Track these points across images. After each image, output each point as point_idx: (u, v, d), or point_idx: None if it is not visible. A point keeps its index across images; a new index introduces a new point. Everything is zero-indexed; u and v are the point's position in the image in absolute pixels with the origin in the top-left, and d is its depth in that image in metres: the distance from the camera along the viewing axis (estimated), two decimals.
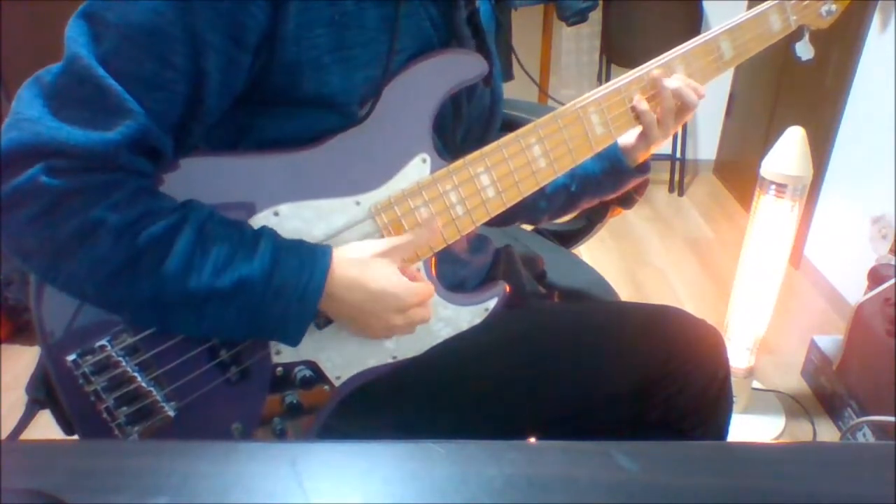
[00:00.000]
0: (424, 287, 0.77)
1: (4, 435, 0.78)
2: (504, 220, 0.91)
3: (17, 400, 0.80)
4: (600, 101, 0.84)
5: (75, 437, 0.76)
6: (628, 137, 0.92)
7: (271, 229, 0.72)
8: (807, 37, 0.99)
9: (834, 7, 0.96)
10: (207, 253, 0.67)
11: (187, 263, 0.66)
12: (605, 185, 0.97)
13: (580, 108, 0.83)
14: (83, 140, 0.62)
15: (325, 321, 0.77)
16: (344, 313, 0.75)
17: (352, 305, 0.73)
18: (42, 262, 0.66)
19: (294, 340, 0.73)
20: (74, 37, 0.63)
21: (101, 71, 0.62)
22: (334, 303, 0.73)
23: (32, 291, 0.70)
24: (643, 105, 0.86)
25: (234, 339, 0.75)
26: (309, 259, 0.71)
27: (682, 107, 0.87)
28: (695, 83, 0.88)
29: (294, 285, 0.69)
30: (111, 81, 0.62)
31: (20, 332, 0.75)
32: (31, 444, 0.57)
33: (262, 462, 0.52)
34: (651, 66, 0.87)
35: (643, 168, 0.95)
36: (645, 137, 0.89)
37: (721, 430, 0.87)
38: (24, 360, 1.83)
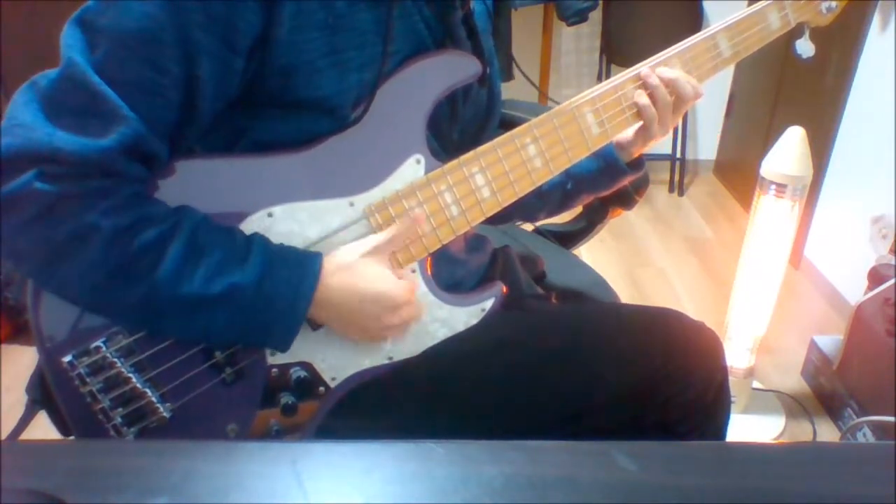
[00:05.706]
0: (411, 283, 0.77)
1: (4, 435, 0.78)
2: (501, 218, 0.91)
3: (17, 400, 0.80)
4: (595, 101, 0.84)
5: (71, 437, 0.76)
6: (625, 133, 0.91)
7: (262, 236, 0.72)
8: (807, 34, 0.99)
9: (834, 4, 0.95)
10: (199, 260, 0.67)
11: (178, 270, 0.67)
12: (600, 182, 0.96)
13: (575, 108, 0.83)
14: (77, 147, 0.62)
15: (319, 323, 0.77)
16: (336, 318, 0.75)
17: (343, 310, 0.74)
18: (36, 266, 0.67)
19: (283, 347, 0.74)
20: (69, 43, 0.63)
21: (95, 77, 0.62)
22: (326, 310, 0.73)
23: (30, 293, 0.70)
24: (643, 99, 0.85)
25: (225, 345, 0.75)
26: (298, 268, 0.71)
27: (679, 100, 0.86)
28: (691, 78, 0.86)
29: (283, 294, 0.70)
30: (105, 88, 0.62)
31: (20, 332, 0.75)
32: (31, 444, 0.57)
33: (262, 462, 0.52)
34: (648, 64, 0.86)
35: (637, 165, 0.94)
36: (644, 132, 0.89)
37: (719, 434, 0.87)
38: (24, 360, 1.82)
